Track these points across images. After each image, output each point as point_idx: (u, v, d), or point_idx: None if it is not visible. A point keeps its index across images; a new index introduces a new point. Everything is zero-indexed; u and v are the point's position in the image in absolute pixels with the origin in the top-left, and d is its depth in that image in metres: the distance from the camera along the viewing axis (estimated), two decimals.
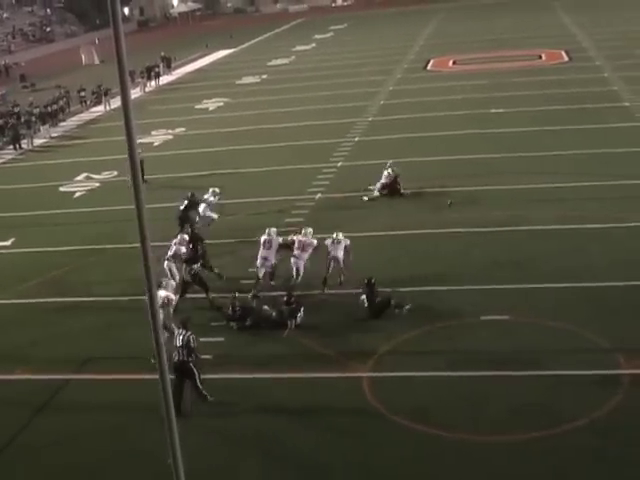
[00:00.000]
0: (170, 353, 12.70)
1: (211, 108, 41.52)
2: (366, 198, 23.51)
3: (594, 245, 18.89)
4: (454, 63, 47.77)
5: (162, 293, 15.01)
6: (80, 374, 15.13)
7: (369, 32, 68.44)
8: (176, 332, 13.67)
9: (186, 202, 21.60)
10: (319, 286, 17.49)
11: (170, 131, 36.45)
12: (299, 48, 62.69)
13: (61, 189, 28.51)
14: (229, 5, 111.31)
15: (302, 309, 16.08)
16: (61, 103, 43.14)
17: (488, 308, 15.98)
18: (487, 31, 60.48)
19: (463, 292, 16.88)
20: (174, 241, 18.19)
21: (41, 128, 38.25)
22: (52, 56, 75.87)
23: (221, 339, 15.65)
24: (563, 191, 22.62)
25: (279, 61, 56.28)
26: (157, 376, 7.30)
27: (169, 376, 7.42)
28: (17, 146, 36.15)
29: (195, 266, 17.58)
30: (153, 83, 50.87)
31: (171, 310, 14.89)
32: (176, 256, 17.86)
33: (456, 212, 21.74)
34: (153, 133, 35.95)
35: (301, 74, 48.90)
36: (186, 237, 18.44)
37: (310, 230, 18.16)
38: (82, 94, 45.57)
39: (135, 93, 45.45)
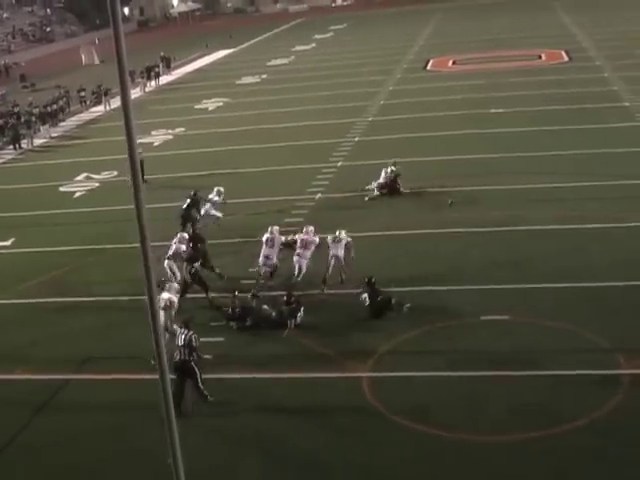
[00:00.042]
0: (171, 354, 12.71)
1: (211, 108, 41.52)
2: (367, 198, 23.53)
3: (593, 245, 18.89)
4: (454, 63, 47.78)
5: (165, 295, 15.04)
6: (80, 374, 15.14)
7: (369, 32, 68.44)
8: (178, 331, 13.70)
9: (188, 200, 21.63)
10: (319, 286, 17.50)
11: (170, 131, 36.45)
12: (299, 48, 62.69)
13: (61, 189, 28.51)
14: (229, 5, 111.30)
15: (302, 309, 16.09)
16: (61, 103, 43.14)
17: (488, 308, 15.99)
18: (487, 31, 60.48)
19: (463, 292, 16.89)
20: (174, 240, 18.20)
21: (41, 128, 38.25)
22: (52, 56, 75.86)
23: (221, 339, 15.65)
24: (562, 191, 22.63)
25: (279, 61, 56.28)
26: (157, 376, 7.30)
27: (169, 376, 7.41)
28: (17, 146, 36.16)
29: (196, 265, 17.61)
30: (153, 83, 50.87)
31: (173, 313, 14.89)
32: (176, 255, 17.88)
33: (455, 212, 21.75)
34: (153, 133, 35.96)
35: (301, 74, 48.90)
36: (186, 236, 18.45)
37: (312, 228, 18.23)
38: (82, 94, 45.58)
39: (135, 93, 45.43)
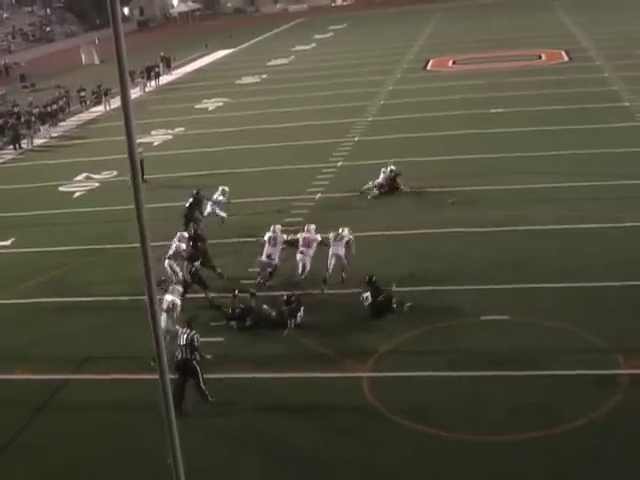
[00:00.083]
0: (171, 355, 12.70)
1: (211, 108, 41.53)
2: (369, 197, 23.58)
3: (593, 245, 18.90)
4: (454, 63, 47.78)
5: (168, 297, 15.06)
6: (80, 374, 15.14)
7: (369, 32, 68.44)
8: (180, 331, 13.71)
9: (191, 200, 21.65)
10: (320, 285, 17.51)
11: (170, 131, 36.46)
12: (299, 48, 62.69)
13: (61, 189, 28.51)
14: (229, 5, 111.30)
15: (302, 309, 16.09)
16: (61, 103, 43.14)
17: (487, 308, 15.99)
18: (487, 31, 60.49)
19: (463, 292, 16.89)
20: (174, 239, 18.20)
21: (41, 128, 38.24)
22: (52, 56, 75.86)
23: (221, 339, 15.65)
24: (562, 191, 22.63)
25: (279, 61, 56.29)
26: (157, 376, 7.30)
27: (169, 376, 7.41)
28: (17, 146, 36.15)
29: (196, 264, 17.62)
30: (153, 83, 50.88)
31: (175, 315, 14.90)
32: (177, 254, 17.88)
33: (455, 212, 21.75)
34: (153, 133, 35.96)
35: (301, 74, 48.91)
36: (186, 235, 18.45)
37: (313, 226, 18.31)
38: (82, 94, 45.59)
39: (135, 93, 45.46)
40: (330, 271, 17.67)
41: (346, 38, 66.47)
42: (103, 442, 12.83)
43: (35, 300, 18.73)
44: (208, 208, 21.83)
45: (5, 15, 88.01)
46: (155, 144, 33.85)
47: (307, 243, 17.91)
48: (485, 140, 29.15)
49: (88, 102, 45.58)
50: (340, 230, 18.02)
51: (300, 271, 17.81)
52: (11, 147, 36.28)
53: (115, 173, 29.19)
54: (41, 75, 59.54)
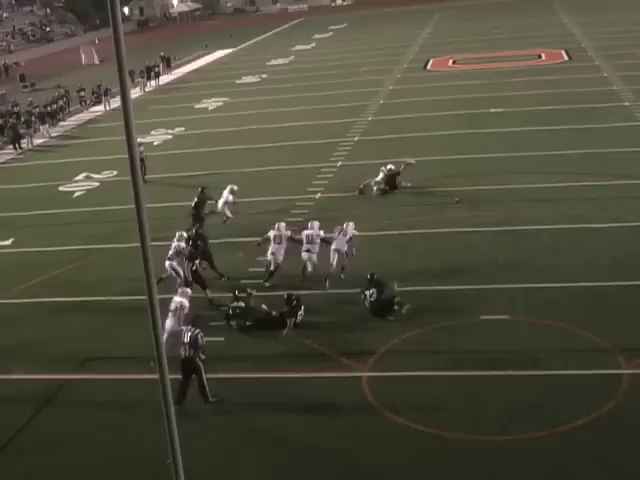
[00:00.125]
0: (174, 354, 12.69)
1: (210, 108, 41.52)
2: (374, 191, 23.77)
3: (593, 245, 18.89)
4: (454, 63, 47.77)
5: (177, 299, 15.14)
6: (80, 374, 15.13)
7: (369, 32, 68.44)
8: (184, 329, 13.73)
9: (196, 199, 21.71)
10: (319, 285, 17.51)
11: (170, 131, 36.46)
12: (299, 48, 62.70)
13: (61, 189, 28.51)
14: (229, 5, 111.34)
15: (302, 308, 16.08)
16: (61, 103, 43.15)
17: (488, 308, 15.99)
18: (487, 31, 60.49)
19: (463, 291, 16.88)
20: (174, 240, 18.20)
21: (41, 128, 38.24)
22: (52, 56, 75.91)
23: (221, 339, 15.64)
24: (563, 191, 22.63)
25: (279, 61, 56.29)
26: (157, 376, 7.29)
27: (170, 376, 7.41)
28: (17, 146, 36.16)
29: (196, 262, 17.64)
30: (153, 83, 50.90)
31: (182, 315, 14.90)
32: (177, 254, 17.88)
33: (455, 212, 21.75)
34: (153, 133, 35.97)
35: (301, 74, 48.90)
36: (185, 234, 18.44)
37: (317, 223, 18.39)
38: (82, 94, 45.62)
39: (135, 93, 45.49)
40: (334, 267, 17.71)
41: (346, 38, 66.47)
42: (103, 442, 12.83)
43: (35, 300, 18.73)
44: (219, 207, 21.91)
45: (5, 15, 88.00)
46: (155, 144, 33.84)
47: (311, 240, 17.95)
48: (485, 140, 29.13)
49: (88, 102, 45.62)
50: (345, 225, 18.07)
51: (310, 268, 17.93)
52: (11, 147, 36.29)
53: (115, 173, 29.19)
54: (41, 75, 59.56)
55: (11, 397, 14.55)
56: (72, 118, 43.04)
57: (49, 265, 20.69)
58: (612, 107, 32.27)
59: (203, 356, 13.59)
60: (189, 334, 13.46)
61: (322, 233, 18.11)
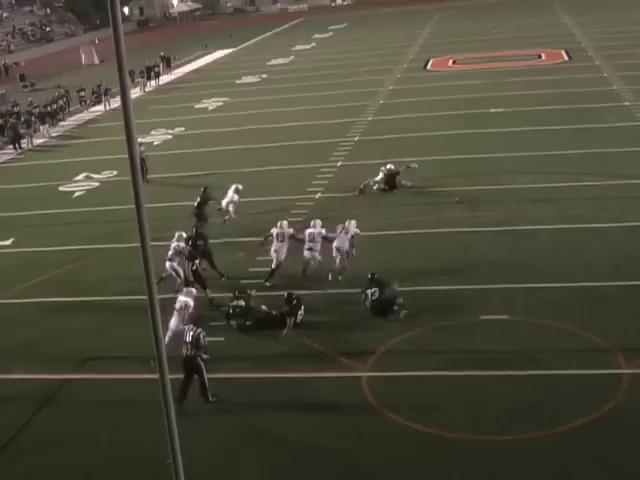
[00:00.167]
0: (175, 353, 12.70)
1: (210, 108, 41.52)
2: (374, 188, 23.83)
3: (593, 245, 18.89)
4: (454, 63, 47.78)
5: (182, 298, 15.17)
6: (80, 374, 15.13)
7: (369, 32, 68.45)
8: (186, 328, 13.75)
9: (198, 199, 21.73)
10: (319, 285, 17.52)
11: (170, 131, 36.46)
12: (299, 48, 62.71)
13: (61, 189, 28.51)
14: (229, 5, 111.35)
15: (302, 308, 16.08)
16: (61, 103, 43.15)
17: (487, 308, 15.99)
18: (487, 31, 60.49)
19: (462, 291, 16.88)
20: (173, 240, 18.19)
21: (41, 128, 38.24)
22: (52, 56, 75.92)
23: (221, 339, 15.63)
24: (562, 190, 22.63)
25: (279, 61, 56.29)
26: (157, 376, 7.30)
27: (170, 376, 7.41)
28: (17, 146, 36.16)
29: (196, 262, 17.64)
30: (153, 83, 50.91)
31: (187, 314, 14.91)
32: (177, 253, 17.88)
33: (455, 212, 21.76)
34: (153, 133, 35.97)
35: (301, 74, 48.90)
36: (184, 234, 18.43)
37: (319, 222, 18.40)
38: (82, 94, 45.63)
39: (135, 93, 45.49)
40: (337, 264, 17.74)
41: (346, 38, 66.48)
42: (103, 442, 12.83)
43: (35, 300, 18.73)
44: (223, 205, 21.95)
45: (5, 15, 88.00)
46: (155, 144, 33.83)
47: (313, 238, 17.97)
48: (485, 140, 29.13)
49: (88, 102, 45.62)
50: (347, 222, 18.08)
51: (313, 266, 17.97)
52: (11, 147, 36.29)
53: (115, 173, 29.20)
54: (41, 75, 59.57)
55: (11, 397, 14.55)
56: (72, 118, 43.05)
57: (49, 265, 20.69)
58: (612, 107, 32.27)
59: (206, 356, 13.60)
60: (191, 333, 13.48)
61: (324, 231, 18.12)
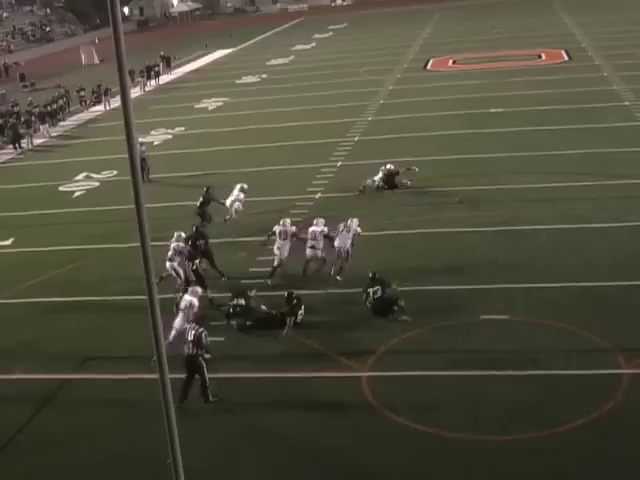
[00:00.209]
0: (177, 352, 12.70)
1: (210, 108, 41.52)
2: (375, 185, 23.93)
3: (593, 245, 18.89)
4: (454, 63, 47.78)
5: (187, 297, 15.19)
6: (80, 373, 15.13)
7: (369, 32, 68.44)
8: (188, 327, 13.74)
9: (201, 198, 21.74)
10: (319, 284, 17.52)
11: (170, 130, 36.46)
12: (299, 48, 62.71)
13: (61, 189, 28.50)
14: (229, 5, 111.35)
15: (302, 307, 16.07)
16: (61, 103, 43.14)
17: (487, 307, 15.99)
18: (487, 30, 60.49)
19: (462, 291, 16.88)
20: (172, 240, 18.19)
21: (41, 128, 38.24)
22: (52, 56, 75.90)
23: (221, 339, 15.63)
24: (562, 190, 22.63)
25: (279, 61, 56.29)
26: (157, 376, 7.30)
27: (170, 375, 7.41)
28: (17, 146, 36.16)
29: (196, 262, 17.65)
30: (153, 82, 50.91)
31: (191, 313, 14.91)
32: (177, 253, 17.88)
33: (455, 211, 21.77)
34: (153, 132, 35.97)
35: (301, 74, 48.90)
36: (183, 235, 18.43)
37: (322, 220, 18.42)
38: (82, 94, 45.62)
39: (135, 92, 45.49)
40: (339, 263, 17.74)
41: (346, 38, 66.46)
42: (103, 442, 12.83)
43: (35, 300, 18.73)
44: (228, 205, 21.98)
45: (5, 15, 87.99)
46: (155, 144, 33.83)
47: (314, 236, 17.99)
48: (485, 140, 29.13)
49: (88, 102, 45.61)
50: (349, 221, 18.09)
51: (315, 264, 18.01)
52: (11, 147, 36.29)
53: (115, 173, 29.20)
54: (41, 75, 59.56)
55: (11, 397, 14.55)
56: (72, 118, 43.04)
57: (49, 265, 20.69)
58: (612, 107, 32.27)
59: (208, 355, 13.60)
60: (193, 332, 13.48)
61: (326, 229, 18.14)
